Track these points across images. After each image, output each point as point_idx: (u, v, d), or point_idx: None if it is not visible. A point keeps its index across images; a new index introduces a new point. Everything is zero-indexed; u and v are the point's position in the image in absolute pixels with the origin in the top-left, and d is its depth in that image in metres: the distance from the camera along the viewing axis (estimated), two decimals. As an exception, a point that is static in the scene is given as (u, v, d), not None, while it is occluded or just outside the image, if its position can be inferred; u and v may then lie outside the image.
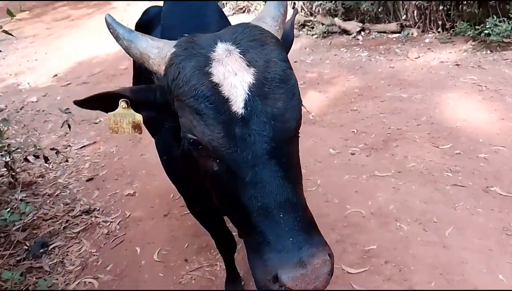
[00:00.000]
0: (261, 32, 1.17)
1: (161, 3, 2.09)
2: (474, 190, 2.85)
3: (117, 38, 1.21)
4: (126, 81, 5.46)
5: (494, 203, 2.71)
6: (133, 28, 2.32)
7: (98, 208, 3.36)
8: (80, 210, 3.35)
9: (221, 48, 1.09)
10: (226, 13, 8.21)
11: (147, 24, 2.18)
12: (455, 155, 3.24)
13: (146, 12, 2.30)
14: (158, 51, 1.16)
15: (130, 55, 1.23)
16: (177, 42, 1.16)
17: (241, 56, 1.08)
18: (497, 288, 2.15)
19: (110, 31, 1.22)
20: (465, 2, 5.21)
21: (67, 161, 3.99)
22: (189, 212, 2.15)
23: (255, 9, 7.83)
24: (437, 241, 2.50)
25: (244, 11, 8.21)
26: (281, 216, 1.01)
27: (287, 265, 0.96)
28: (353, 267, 2.41)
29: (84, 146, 4.42)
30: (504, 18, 4.75)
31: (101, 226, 3.15)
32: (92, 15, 10.37)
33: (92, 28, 9.04)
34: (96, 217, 3.26)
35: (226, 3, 8.41)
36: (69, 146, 4.48)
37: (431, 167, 3.15)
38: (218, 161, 1.08)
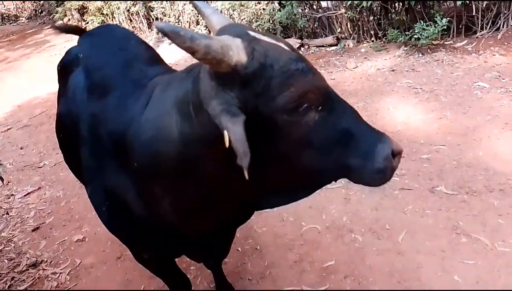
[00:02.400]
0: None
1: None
2: (420, 192, 2.93)
3: (192, 39, 0.98)
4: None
5: (440, 202, 2.79)
6: (56, 70, 2.23)
7: (45, 260, 3.16)
8: (26, 264, 3.14)
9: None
10: (168, 41, 8.18)
11: (69, 63, 2.09)
12: (399, 158, 3.33)
13: (68, 52, 2.21)
14: (231, 41, 1.06)
15: (205, 56, 1.00)
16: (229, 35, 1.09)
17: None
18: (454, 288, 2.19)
19: (180, 38, 0.97)
20: (393, 11, 5.46)
21: (7, 213, 3.76)
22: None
23: (192, 33, 7.84)
24: (391, 248, 2.53)
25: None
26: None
27: (390, 141, 1.16)
28: (313, 287, 2.39)
29: (28, 193, 4.19)
30: (430, 22, 5.00)
31: (49, 278, 2.96)
32: (30, 56, 10.03)
33: (30, 69, 8.72)
34: (44, 269, 3.07)
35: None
36: (12, 195, 4.23)
37: (379, 173, 3.21)
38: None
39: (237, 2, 6.83)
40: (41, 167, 4.67)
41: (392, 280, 2.32)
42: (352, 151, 1.14)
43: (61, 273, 2.99)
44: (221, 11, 7.12)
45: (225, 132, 0.98)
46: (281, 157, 1.14)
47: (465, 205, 2.73)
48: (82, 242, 3.27)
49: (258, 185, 1.18)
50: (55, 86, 2.25)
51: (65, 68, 2.08)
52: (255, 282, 2.53)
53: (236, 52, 1.04)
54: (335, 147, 1.13)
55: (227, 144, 0.98)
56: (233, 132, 0.97)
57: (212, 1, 7.28)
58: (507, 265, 2.27)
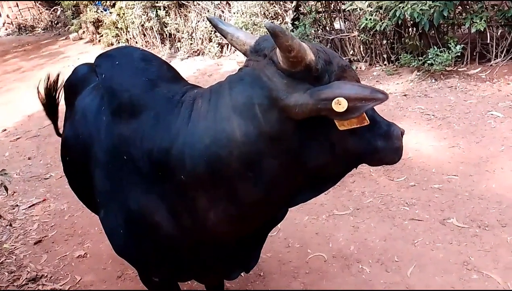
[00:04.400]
0: None
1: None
2: (431, 223, 2.85)
3: (292, 39, 1.11)
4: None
5: (452, 235, 2.71)
6: (63, 88, 2.21)
7: (46, 274, 3.11)
8: (26, 278, 3.09)
9: None
10: (181, 56, 8.27)
11: (75, 83, 2.06)
12: (410, 187, 3.26)
13: (75, 71, 2.19)
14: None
15: (296, 54, 1.14)
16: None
17: None
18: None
19: (285, 36, 1.09)
20: (406, 35, 5.45)
21: (10, 224, 3.73)
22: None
23: (209, 51, 7.89)
24: (400, 281, 2.45)
25: (198, 54, 8.27)
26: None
27: (396, 125, 1.42)
28: (317, 319, 2.31)
29: (32, 205, 4.17)
30: (444, 48, 4.97)
31: (48, 295, 2.91)
32: (44, 66, 10.13)
33: (43, 80, 8.80)
34: (43, 284, 3.02)
35: (180, 47, 8.45)
36: (17, 205, 4.21)
37: (388, 201, 3.15)
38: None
39: (250, 21, 6.87)
40: (47, 179, 4.66)
41: (399, 316, 2.24)
42: (376, 134, 1.33)
43: (60, 289, 2.94)
44: (234, 29, 7.17)
45: (337, 100, 1.12)
46: (332, 144, 1.28)
47: (477, 240, 2.64)
48: (84, 258, 3.22)
49: (310, 174, 1.33)
50: (64, 98, 2.24)
51: (72, 88, 2.06)
52: (258, 310, 2.46)
53: (309, 52, 1.17)
54: (367, 132, 1.29)
55: (345, 107, 1.12)
56: (345, 89, 1.15)
57: (226, 19, 7.34)
58: (521, 306, 2.18)
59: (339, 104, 1.12)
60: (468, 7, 5.07)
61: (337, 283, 2.53)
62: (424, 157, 3.62)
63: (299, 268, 2.70)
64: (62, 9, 13.60)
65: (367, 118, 1.22)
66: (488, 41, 5.10)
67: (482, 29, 4.78)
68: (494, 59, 5.13)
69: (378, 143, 1.34)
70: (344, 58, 6.05)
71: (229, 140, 1.24)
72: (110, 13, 9.55)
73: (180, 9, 8.15)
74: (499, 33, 5.05)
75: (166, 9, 8.32)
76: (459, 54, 4.93)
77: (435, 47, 5.02)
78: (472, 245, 2.61)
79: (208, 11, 7.63)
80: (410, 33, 5.48)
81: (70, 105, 2.00)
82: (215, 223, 1.37)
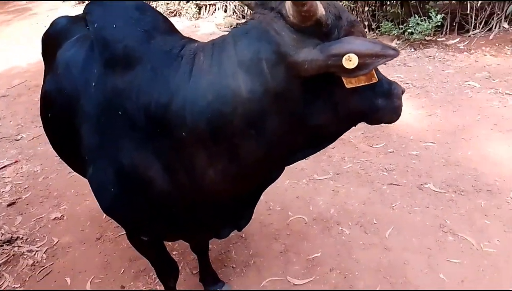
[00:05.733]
0: None
1: (70, 13, 1.84)
2: (409, 188, 2.92)
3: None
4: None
5: (428, 200, 2.80)
6: (38, 40, 2.09)
7: (21, 236, 3.04)
8: (1, 240, 3.01)
9: None
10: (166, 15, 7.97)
11: (55, 36, 1.94)
12: (388, 153, 3.32)
13: (54, 24, 2.05)
14: None
15: (310, 7, 1.09)
16: None
17: None
18: (439, 287, 2.20)
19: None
20: (388, 3, 5.42)
21: (-20, 186, 3.61)
22: (125, 234, 1.93)
23: (186, 12, 7.65)
24: (378, 243, 2.52)
25: (175, 15, 8.01)
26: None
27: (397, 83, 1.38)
28: (298, 278, 2.36)
29: (4, 167, 4.03)
30: (424, 18, 4.98)
31: (25, 256, 2.85)
32: (11, 22, 9.63)
33: (10, 36, 8.37)
34: (19, 246, 2.95)
35: (156, 7, 8.14)
36: (-13, 167, 4.06)
37: (367, 166, 3.20)
38: None
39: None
40: (18, 140, 4.50)
41: (378, 275, 2.31)
42: (377, 92, 1.30)
43: (37, 251, 2.88)
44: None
45: (348, 56, 1.09)
46: (335, 103, 1.26)
47: (453, 204, 2.74)
48: (60, 220, 3.16)
49: (311, 132, 1.32)
50: (35, 56, 2.12)
51: (51, 41, 1.94)
52: (239, 271, 2.49)
53: (319, 6, 1.11)
54: (368, 90, 1.25)
55: (356, 63, 1.09)
56: (355, 45, 1.11)
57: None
58: (492, 265, 2.28)
59: (350, 60, 1.09)
60: (450, -24, 5.07)
61: (317, 245, 2.58)
62: (402, 125, 3.67)
63: (280, 230, 2.74)
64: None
65: (375, 75, 1.19)
66: (468, 12, 5.14)
67: (463, -1, 4.81)
68: (473, 30, 5.20)
69: (379, 102, 1.31)
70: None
71: (234, 97, 1.20)
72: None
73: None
74: (478, 4, 5.09)
75: (142, -34, 7.95)
76: (439, 24, 4.97)
77: (416, 16, 5.03)
78: (448, 209, 2.70)
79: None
80: (392, 1, 5.45)
81: (50, 60, 1.89)
82: (213, 181, 1.35)
